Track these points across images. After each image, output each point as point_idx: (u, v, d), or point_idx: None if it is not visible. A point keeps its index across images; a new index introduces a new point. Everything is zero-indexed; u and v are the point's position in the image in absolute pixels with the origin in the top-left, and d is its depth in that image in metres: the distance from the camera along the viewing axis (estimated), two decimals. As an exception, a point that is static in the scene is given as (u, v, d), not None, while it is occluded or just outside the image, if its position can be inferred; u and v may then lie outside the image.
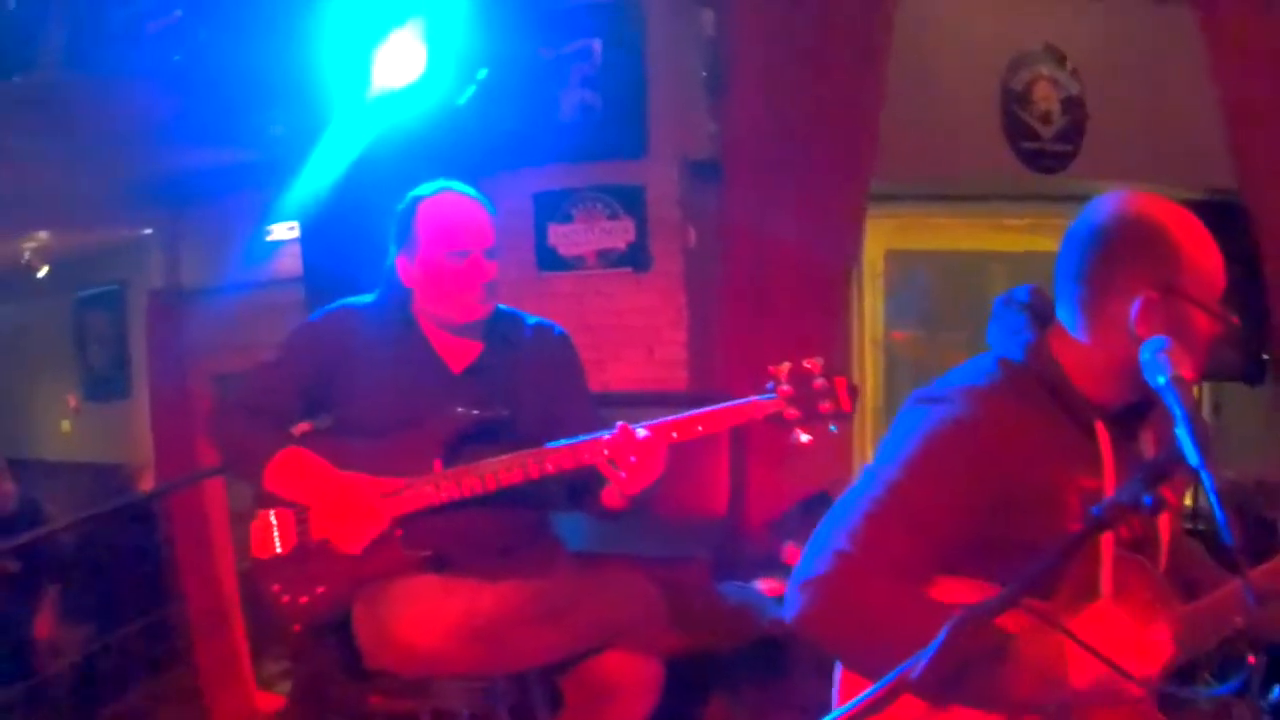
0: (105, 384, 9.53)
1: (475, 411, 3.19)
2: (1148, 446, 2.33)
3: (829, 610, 2.11)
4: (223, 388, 7.20)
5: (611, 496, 3.11)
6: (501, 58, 5.46)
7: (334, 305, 3.41)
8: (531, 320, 3.46)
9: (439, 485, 3.08)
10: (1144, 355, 1.94)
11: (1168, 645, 2.15)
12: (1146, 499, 1.71)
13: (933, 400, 2.25)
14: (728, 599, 4.58)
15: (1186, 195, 5.17)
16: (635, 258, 5.61)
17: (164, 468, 7.67)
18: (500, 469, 3.06)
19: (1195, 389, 1.92)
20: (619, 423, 3.02)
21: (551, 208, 5.74)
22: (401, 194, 3.38)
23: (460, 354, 3.31)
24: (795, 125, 5.37)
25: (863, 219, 5.47)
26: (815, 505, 5.11)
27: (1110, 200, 2.23)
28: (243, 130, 5.67)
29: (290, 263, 6.31)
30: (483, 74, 5.33)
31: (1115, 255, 2.17)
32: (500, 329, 3.36)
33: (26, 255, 9.00)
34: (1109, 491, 2.15)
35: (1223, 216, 5.00)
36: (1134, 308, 2.12)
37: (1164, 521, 2.31)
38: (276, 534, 3.20)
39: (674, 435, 3.00)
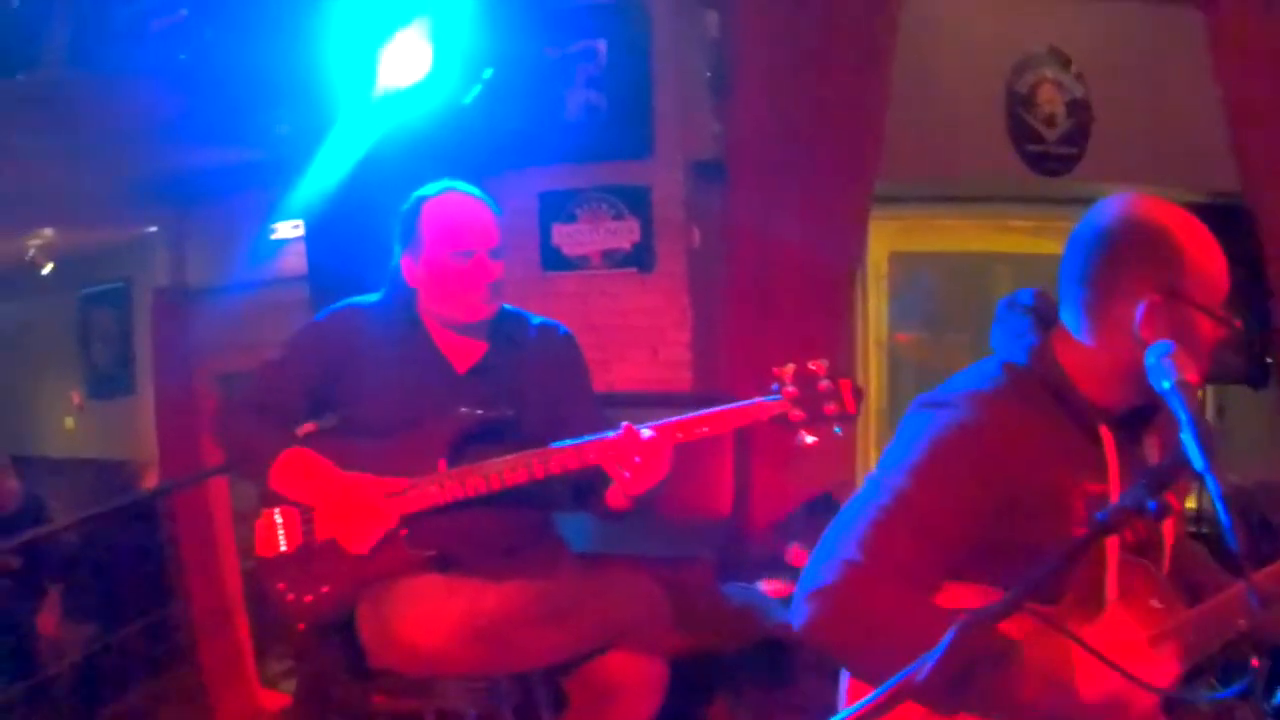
0: (109, 381, 9.54)
1: (479, 411, 3.19)
2: (1152, 450, 2.33)
3: (837, 620, 2.10)
4: (227, 386, 7.21)
5: (616, 496, 3.11)
6: (507, 57, 5.47)
7: (339, 305, 3.40)
8: (536, 320, 3.46)
9: (443, 485, 3.08)
10: (1149, 360, 1.94)
11: (1173, 664, 2.15)
12: (1151, 504, 1.71)
13: (937, 405, 2.25)
14: (732, 600, 4.58)
15: (1191, 198, 5.19)
16: (640, 258, 5.61)
17: (168, 466, 7.67)
18: (505, 469, 3.05)
19: (1199, 392, 1.91)
20: (624, 423, 3.02)
21: (556, 208, 5.74)
22: (406, 193, 3.38)
23: (465, 354, 3.31)
24: (800, 126, 5.37)
25: (867, 220, 5.48)
26: (819, 507, 5.12)
27: (1114, 203, 2.23)
28: (248, 129, 5.67)
29: (295, 261, 6.32)
30: (488, 74, 5.34)
31: (1119, 258, 2.17)
32: (505, 329, 3.36)
33: (31, 252, 9.00)
34: (1114, 496, 2.14)
35: (1227, 219, 5.00)
36: (1138, 311, 2.12)
37: (1167, 525, 2.30)
38: (281, 533, 3.20)
39: (679, 436, 3.00)
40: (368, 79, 4.98)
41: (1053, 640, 2.04)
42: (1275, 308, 5.34)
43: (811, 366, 3.00)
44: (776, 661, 4.25)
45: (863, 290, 6.13)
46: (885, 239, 6.30)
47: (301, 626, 3.30)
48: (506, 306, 3.36)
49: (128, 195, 7.42)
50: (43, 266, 9.14)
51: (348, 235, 5.17)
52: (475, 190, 3.34)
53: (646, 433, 2.98)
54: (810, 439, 3.01)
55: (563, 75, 5.69)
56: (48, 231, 8.63)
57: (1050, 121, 5.83)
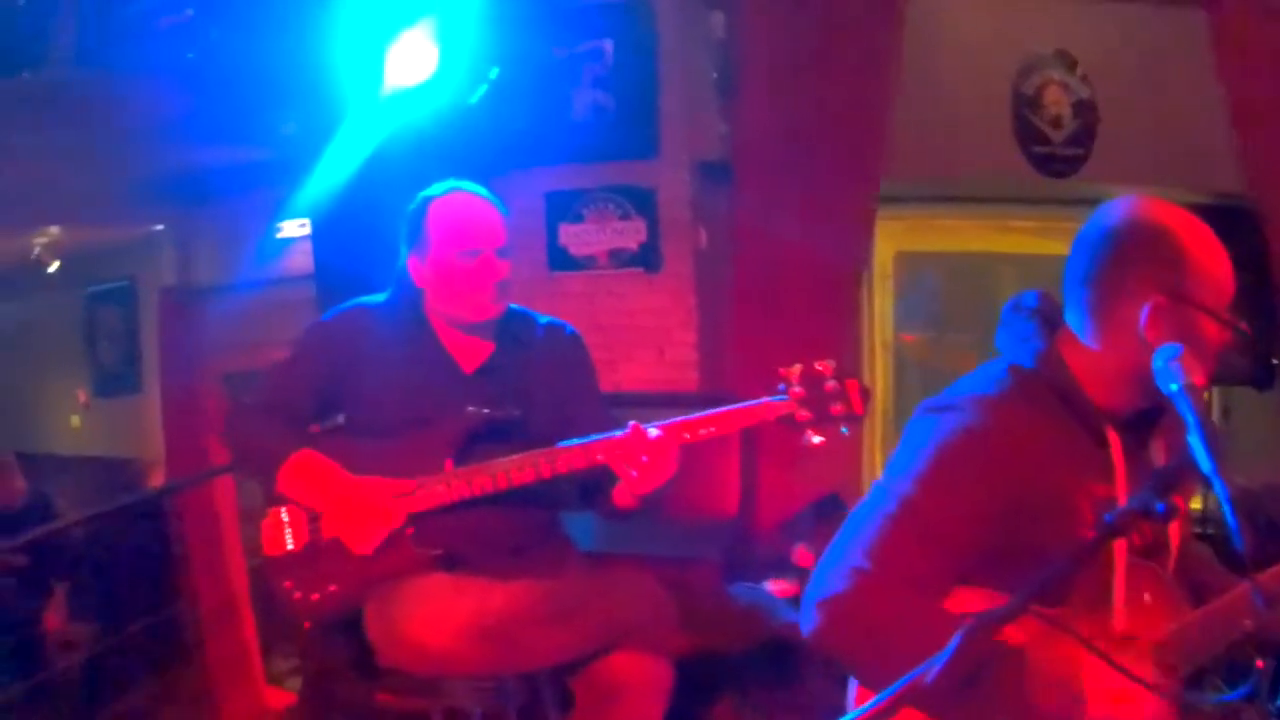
0: (115, 380, 9.55)
1: (486, 411, 3.19)
2: (1158, 453, 2.32)
3: (846, 628, 2.10)
4: (233, 385, 7.23)
5: (622, 496, 3.11)
6: (513, 57, 5.46)
7: (346, 304, 3.41)
8: (543, 320, 3.47)
9: (450, 484, 3.09)
10: (1156, 363, 1.94)
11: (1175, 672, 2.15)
12: (1160, 506, 1.71)
13: (943, 409, 2.24)
14: (738, 600, 4.59)
15: (1197, 199, 5.18)
16: (646, 258, 5.62)
17: (174, 464, 7.68)
18: (512, 468, 3.06)
19: (1204, 394, 1.92)
20: (631, 422, 3.03)
21: (563, 207, 5.75)
22: (413, 192, 3.38)
23: (472, 354, 3.31)
24: (806, 127, 5.37)
25: (873, 221, 5.47)
26: (826, 507, 5.12)
27: (1119, 205, 2.22)
28: (254, 128, 5.67)
29: (301, 260, 6.32)
30: (495, 73, 5.34)
31: (1124, 260, 2.16)
32: (512, 329, 3.37)
33: (38, 250, 9.02)
34: (1121, 499, 2.14)
35: (1233, 221, 5.00)
36: (1142, 313, 2.12)
37: (1173, 526, 2.30)
38: (288, 531, 3.21)
39: (686, 436, 3.01)
40: (374, 78, 4.98)
41: (1059, 644, 2.04)
42: (1281, 309, 5.34)
43: (818, 367, 3.00)
44: (783, 662, 4.25)
45: (868, 290, 6.12)
46: (891, 239, 6.30)
47: (308, 625, 3.30)
48: (513, 306, 3.37)
49: (134, 194, 7.42)
50: (49, 265, 9.15)
51: (354, 234, 5.17)
52: (482, 190, 3.35)
53: (654, 432, 2.99)
54: (817, 439, 3.01)
55: (569, 75, 5.70)
56: (54, 230, 8.64)
57: (1056, 123, 5.83)
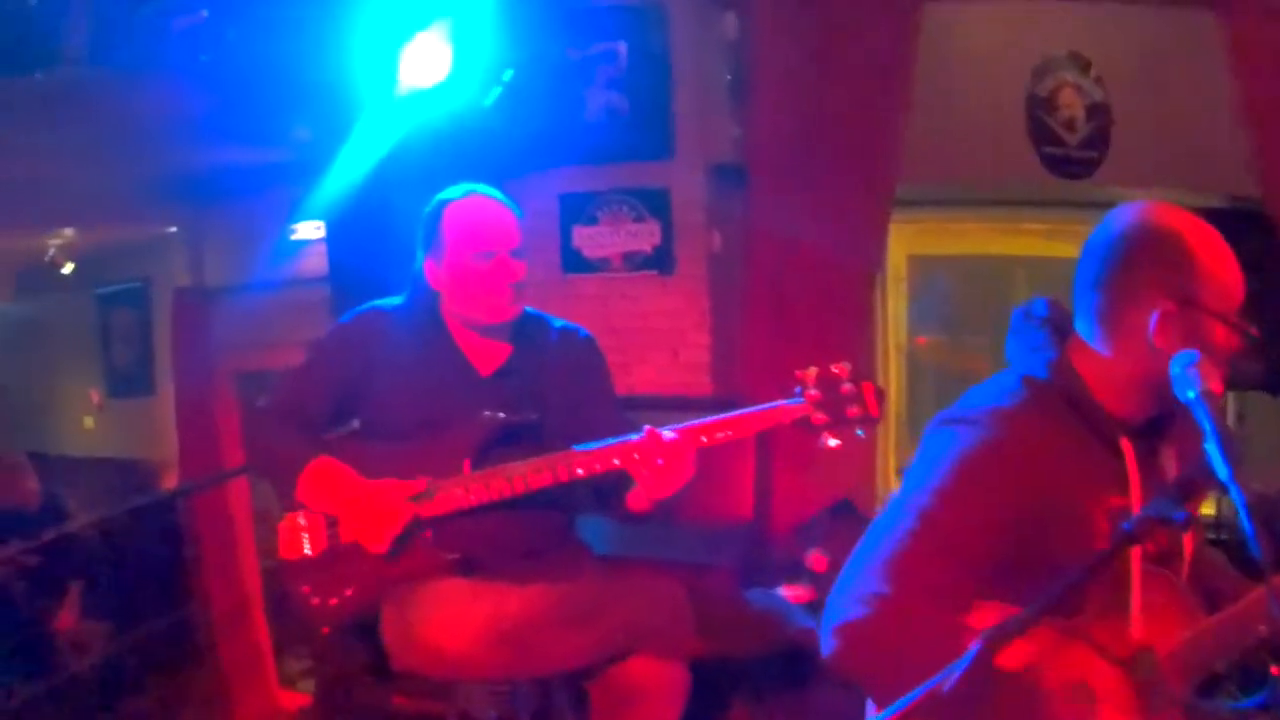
0: (129, 381, 9.54)
1: (502, 415, 3.20)
2: (1169, 461, 2.32)
3: (865, 654, 2.08)
4: (247, 387, 7.23)
5: (638, 500, 3.11)
6: (527, 59, 5.47)
7: (363, 307, 3.42)
8: (558, 323, 3.47)
9: (468, 488, 3.09)
10: (1174, 369, 1.94)
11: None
12: (1178, 514, 1.71)
13: (959, 422, 2.23)
14: (753, 605, 4.58)
15: (1211, 202, 5.18)
16: (660, 261, 5.62)
17: (188, 465, 7.68)
18: (529, 472, 3.06)
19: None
20: (646, 426, 3.02)
21: (577, 210, 5.75)
22: (427, 194, 3.39)
23: (488, 357, 3.32)
24: (819, 129, 5.37)
25: (887, 224, 5.47)
26: (840, 511, 5.11)
27: (1128, 211, 2.22)
28: (268, 129, 5.68)
29: (316, 262, 6.33)
30: (508, 75, 5.34)
31: (1133, 266, 2.17)
32: (528, 331, 3.37)
33: (51, 251, 9.03)
34: (1135, 508, 2.14)
35: (1247, 224, 5.00)
36: (1152, 320, 2.12)
37: (1187, 533, 2.30)
38: (305, 536, 3.21)
39: (702, 440, 3.01)
40: (389, 80, 4.99)
41: (1072, 650, 2.04)
42: (1296, 313, 5.32)
43: (834, 369, 3.00)
44: (797, 667, 4.24)
45: (882, 293, 6.11)
46: (904, 242, 6.29)
47: (325, 630, 3.31)
48: (528, 309, 3.37)
49: (148, 195, 7.43)
50: (63, 266, 9.17)
51: (368, 236, 5.19)
52: (496, 193, 3.35)
53: (669, 435, 2.99)
54: (833, 442, 3.01)
55: (583, 77, 5.70)
56: (68, 231, 8.65)
57: (1070, 125, 5.82)
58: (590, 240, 5.72)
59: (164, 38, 5.49)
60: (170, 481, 8.35)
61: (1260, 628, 2.11)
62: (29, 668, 6.56)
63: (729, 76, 5.68)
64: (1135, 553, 2.12)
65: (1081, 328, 2.26)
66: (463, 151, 5.08)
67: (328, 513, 3.20)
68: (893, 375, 6.31)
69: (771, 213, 5.42)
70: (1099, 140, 5.80)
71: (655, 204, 5.60)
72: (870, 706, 2.32)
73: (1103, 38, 5.79)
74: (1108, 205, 2.27)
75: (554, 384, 3.34)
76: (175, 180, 7.21)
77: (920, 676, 1.84)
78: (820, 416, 2.98)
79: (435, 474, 3.12)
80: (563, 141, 5.73)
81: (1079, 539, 2.12)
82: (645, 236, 5.62)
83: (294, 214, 6.40)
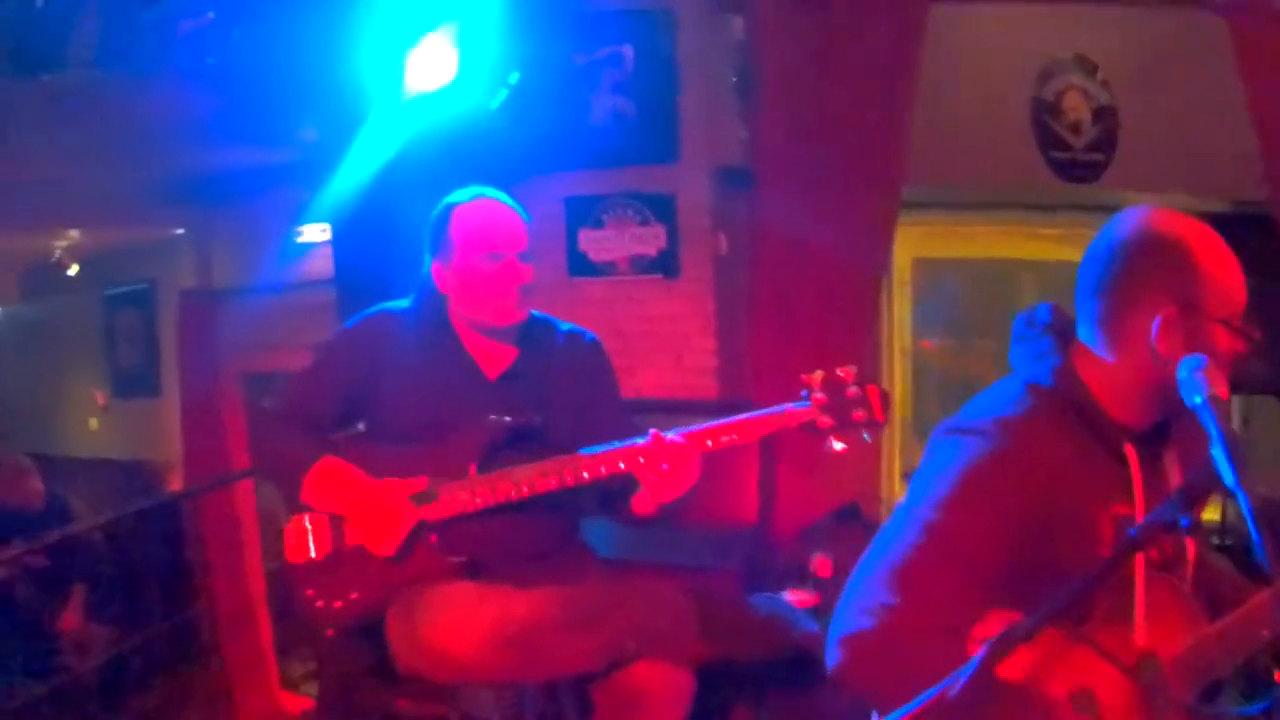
0: (134, 382, 9.57)
1: (508, 418, 3.20)
2: (1172, 466, 2.32)
3: (871, 666, 2.08)
4: (252, 388, 7.24)
5: (643, 503, 3.12)
6: (533, 62, 5.47)
7: (370, 310, 3.42)
8: (564, 326, 3.48)
9: (474, 491, 3.09)
10: (1181, 374, 1.94)
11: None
12: (1184, 520, 1.71)
13: (964, 431, 2.23)
14: (758, 609, 4.57)
15: (1218, 206, 5.18)
16: (666, 264, 5.62)
17: (193, 467, 7.70)
18: (535, 475, 3.06)
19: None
20: (651, 430, 3.02)
21: (583, 213, 5.75)
22: (433, 197, 3.40)
23: (495, 360, 3.32)
24: (826, 132, 5.37)
25: (893, 227, 5.46)
26: (846, 515, 5.11)
27: (1129, 217, 2.22)
28: (275, 131, 5.69)
29: (322, 264, 6.34)
30: (515, 79, 5.34)
31: (1134, 272, 2.16)
32: (534, 334, 3.37)
33: (58, 253, 9.07)
34: (1139, 515, 2.14)
35: (1255, 228, 4.99)
36: (1154, 325, 2.12)
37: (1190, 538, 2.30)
38: (311, 539, 3.21)
39: (708, 443, 3.01)
40: (395, 83, 4.99)
41: (1076, 655, 2.04)
42: (1303, 317, 5.31)
43: (840, 373, 3.00)
44: (801, 672, 4.23)
45: (887, 296, 6.11)
46: (909, 245, 6.29)
47: (330, 633, 3.31)
48: (535, 313, 3.37)
49: (154, 196, 7.45)
50: (69, 267, 9.19)
51: (374, 239, 5.18)
52: (504, 196, 3.36)
53: (675, 438, 2.99)
54: (839, 446, 3.01)
55: (589, 81, 5.70)
56: (74, 233, 8.69)
57: (1076, 128, 5.82)
58: (596, 244, 5.72)
59: (171, 40, 5.52)
60: (175, 483, 8.37)
61: (1264, 632, 2.11)
62: (32, 668, 6.58)
63: (735, 80, 5.68)
64: (1139, 558, 2.11)
65: (1084, 334, 2.26)
66: (469, 155, 5.08)
67: (333, 512, 3.20)
68: (898, 379, 6.30)
69: (777, 216, 5.42)
70: (1105, 144, 5.80)
71: (661, 208, 5.61)
72: (875, 715, 2.32)
73: (1109, 40, 5.80)
74: (1114, 209, 2.27)
75: (560, 387, 3.34)
76: (182, 182, 7.22)
77: (926, 689, 1.84)
78: (826, 420, 2.98)
79: (441, 476, 3.12)
80: (569, 145, 5.73)
81: (1084, 546, 2.11)
82: (651, 240, 5.62)
83: (300, 216, 6.41)
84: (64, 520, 7.25)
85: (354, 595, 3.18)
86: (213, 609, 7.10)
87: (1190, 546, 2.30)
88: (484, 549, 3.15)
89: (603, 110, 5.68)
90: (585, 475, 3.04)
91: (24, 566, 6.85)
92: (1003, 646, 1.63)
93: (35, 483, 7.56)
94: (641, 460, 2.99)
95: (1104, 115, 5.80)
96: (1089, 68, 5.81)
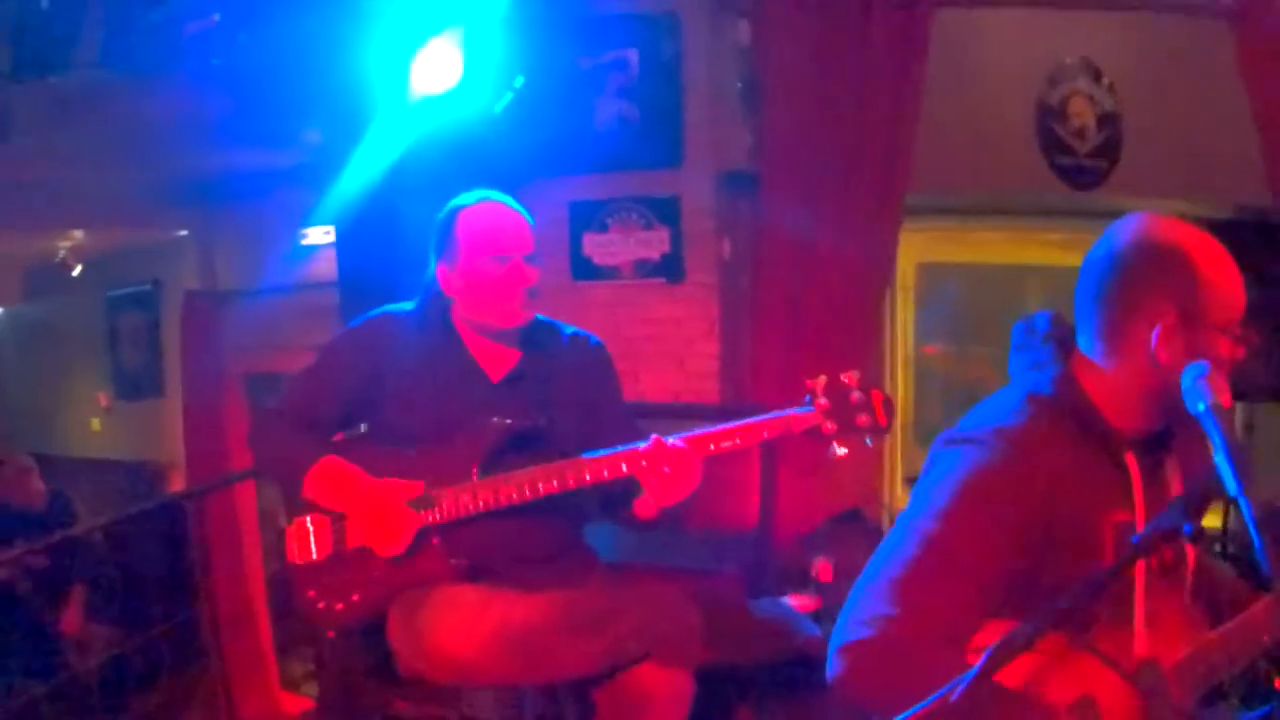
0: (137, 383, 9.56)
1: (510, 421, 3.20)
2: (1172, 473, 2.32)
3: (871, 676, 2.08)
4: (255, 390, 7.24)
5: (645, 507, 3.11)
6: (539, 67, 5.47)
7: (374, 312, 3.42)
8: (568, 330, 3.48)
9: (477, 494, 3.09)
10: (1185, 381, 1.94)
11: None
12: (1188, 527, 1.71)
13: (964, 442, 2.23)
14: (759, 613, 4.57)
15: (1222, 213, 5.17)
16: (670, 268, 5.62)
17: (195, 468, 7.70)
18: (538, 478, 3.06)
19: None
20: (653, 434, 3.02)
21: (587, 217, 5.75)
22: (437, 200, 3.40)
23: (499, 363, 3.32)
24: (830, 138, 5.37)
25: (897, 232, 5.46)
26: (848, 520, 5.11)
27: (1128, 225, 2.22)
28: (280, 133, 5.69)
29: (325, 267, 6.34)
30: (520, 82, 5.35)
31: (1134, 280, 2.17)
32: (538, 338, 3.37)
33: (62, 253, 9.07)
34: (1140, 523, 2.13)
35: (1259, 234, 4.99)
36: (1154, 333, 2.12)
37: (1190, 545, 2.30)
38: (313, 540, 3.21)
39: (710, 448, 3.01)
40: (400, 86, 4.99)
41: (1079, 666, 2.04)
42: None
43: (843, 378, 3.00)
44: (803, 676, 4.23)
45: (890, 302, 6.11)
46: (913, 250, 6.27)
47: (331, 634, 3.31)
48: (539, 316, 3.37)
49: (158, 198, 7.47)
50: (73, 268, 9.20)
51: (378, 241, 5.19)
52: (510, 199, 3.36)
53: (676, 442, 2.99)
54: (842, 451, 3.01)
55: (594, 85, 5.71)
56: (78, 233, 8.69)
57: (1081, 134, 5.82)
58: (600, 248, 5.72)
59: (176, 42, 5.52)
60: (177, 484, 8.37)
61: (1265, 639, 2.11)
62: (32, 668, 6.58)
63: (740, 84, 5.68)
64: (1140, 565, 2.11)
65: (1084, 342, 2.26)
66: (473, 158, 5.08)
67: (335, 509, 3.20)
68: (900, 384, 6.29)
69: (781, 220, 5.43)
70: (1110, 149, 5.80)
71: (665, 212, 5.61)
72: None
73: (1114, 46, 5.80)
74: (1119, 214, 2.27)
75: (564, 390, 3.34)
76: (186, 184, 7.24)
77: (925, 699, 1.84)
78: (830, 425, 2.98)
79: (444, 479, 3.12)
80: (573, 149, 5.74)
81: (1085, 555, 2.11)
82: (655, 244, 5.62)
83: (304, 218, 6.41)
84: (66, 520, 7.26)
85: (355, 597, 3.18)
86: (213, 609, 7.09)
87: (1191, 552, 2.30)
88: (487, 552, 3.15)
89: (607, 114, 5.68)
90: (588, 478, 3.03)
91: (25, 567, 6.86)
92: (1004, 653, 1.63)
93: (37, 483, 7.58)
94: (644, 464, 2.99)
95: (1109, 121, 5.80)
96: (1094, 73, 5.81)
